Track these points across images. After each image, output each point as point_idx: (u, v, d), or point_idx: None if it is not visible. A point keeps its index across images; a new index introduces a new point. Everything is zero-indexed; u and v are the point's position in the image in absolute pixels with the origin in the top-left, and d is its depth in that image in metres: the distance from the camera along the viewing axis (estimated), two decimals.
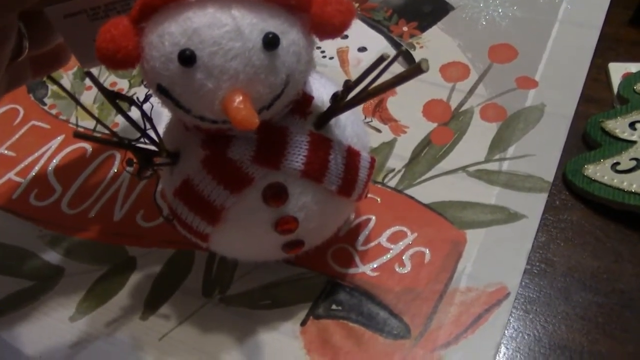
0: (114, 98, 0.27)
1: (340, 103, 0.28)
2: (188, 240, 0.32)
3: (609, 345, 0.34)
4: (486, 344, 0.34)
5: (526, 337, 0.34)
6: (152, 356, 0.34)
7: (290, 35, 0.25)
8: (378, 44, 0.50)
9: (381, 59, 0.24)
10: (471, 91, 0.46)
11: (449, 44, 0.50)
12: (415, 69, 0.24)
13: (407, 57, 0.48)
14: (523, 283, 0.36)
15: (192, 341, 0.35)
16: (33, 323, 0.36)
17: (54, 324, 0.36)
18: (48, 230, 0.40)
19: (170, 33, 0.24)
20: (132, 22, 0.24)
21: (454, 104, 0.45)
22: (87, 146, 0.45)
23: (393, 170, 0.42)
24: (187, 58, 0.23)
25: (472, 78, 0.47)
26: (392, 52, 0.49)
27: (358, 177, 0.30)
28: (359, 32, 0.51)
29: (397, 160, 0.42)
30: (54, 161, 0.44)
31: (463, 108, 0.45)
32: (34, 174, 0.44)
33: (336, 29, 0.25)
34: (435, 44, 0.50)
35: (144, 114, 0.28)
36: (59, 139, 0.45)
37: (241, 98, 0.24)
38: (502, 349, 0.34)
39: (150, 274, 0.38)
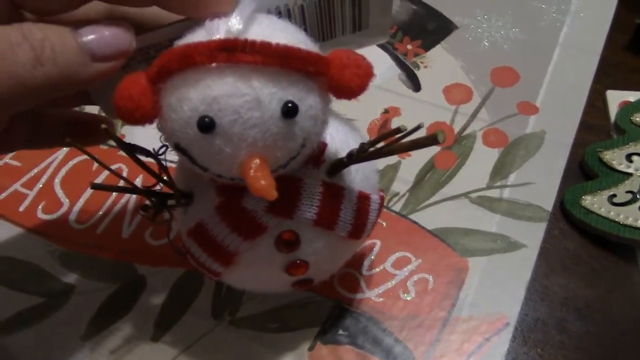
0: (132, 150, 0.27)
1: (354, 161, 0.28)
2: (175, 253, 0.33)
3: None
4: None
5: None
6: None
7: (308, 101, 0.25)
8: (383, 63, 0.50)
9: (398, 130, 0.25)
10: (474, 115, 0.47)
11: (452, 64, 0.50)
12: (430, 139, 0.24)
13: (412, 77, 0.49)
14: (522, 312, 0.38)
15: None
16: (44, 341, 0.37)
17: (65, 342, 0.36)
18: (57, 245, 0.41)
19: (189, 99, 0.24)
20: (149, 81, 0.24)
21: (457, 127, 0.46)
22: None
23: (397, 194, 0.43)
24: (206, 125, 0.23)
25: (475, 101, 0.48)
26: (396, 71, 0.50)
27: (368, 220, 0.31)
28: (364, 50, 0.51)
29: (402, 183, 0.43)
30: (61, 173, 0.44)
31: (466, 132, 0.46)
32: (40, 185, 0.44)
33: (353, 93, 0.25)
34: (439, 64, 0.51)
35: (160, 164, 0.29)
36: (65, 149, 0.46)
37: (258, 162, 0.24)
38: None
39: (160, 294, 0.38)
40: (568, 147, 0.45)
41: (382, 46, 0.51)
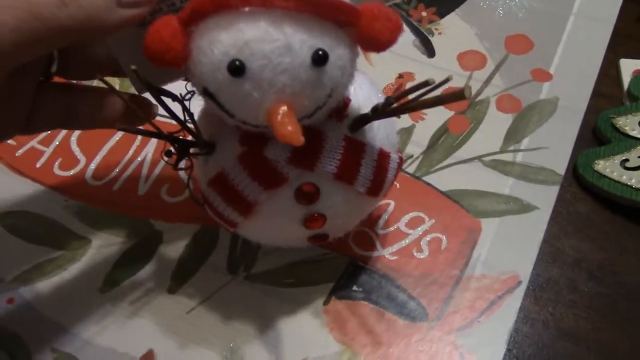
0: (158, 94, 0.27)
1: (378, 115, 0.28)
2: (194, 203, 0.33)
3: (612, 334, 0.36)
4: (499, 329, 0.36)
5: (535, 323, 0.36)
6: (180, 328, 0.36)
7: (338, 51, 0.25)
8: None
9: (426, 83, 0.25)
10: (487, 81, 0.47)
11: (466, 31, 0.51)
12: (457, 95, 0.24)
13: (426, 43, 0.49)
14: (534, 272, 0.38)
15: (219, 315, 0.36)
16: (62, 292, 0.37)
17: (83, 294, 0.37)
18: (74, 200, 0.41)
19: (221, 42, 0.24)
20: (181, 23, 0.24)
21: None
22: None
23: (411, 156, 0.43)
24: (236, 69, 0.24)
25: (489, 68, 0.48)
26: (411, 37, 0.50)
27: (386, 178, 0.32)
28: None
29: (416, 146, 0.44)
30: (77, 131, 0.45)
31: (479, 98, 0.46)
32: (57, 142, 0.44)
33: (383, 45, 0.26)
34: (453, 31, 0.51)
35: (185, 109, 0.29)
36: None
37: (286, 109, 0.24)
38: (513, 334, 0.36)
39: (176, 249, 0.39)
40: (581, 113, 0.45)
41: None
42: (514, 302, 0.37)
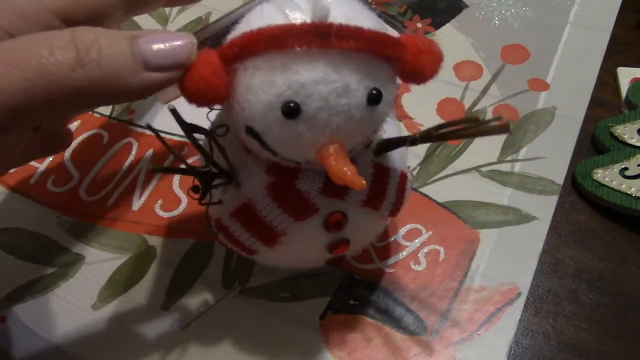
0: (191, 131, 0.26)
1: (416, 144, 0.28)
2: (208, 232, 0.32)
3: (615, 345, 0.35)
4: (499, 342, 0.35)
5: (536, 335, 0.36)
6: (174, 345, 0.35)
7: (389, 87, 0.25)
8: None
9: (476, 119, 0.25)
10: (484, 91, 0.47)
11: (462, 42, 0.50)
12: (501, 128, 0.24)
13: None
14: (534, 283, 0.38)
15: (214, 331, 0.36)
16: (55, 310, 0.37)
17: (76, 311, 0.36)
18: (66, 217, 0.41)
19: (274, 83, 0.23)
20: (223, 60, 0.23)
21: (467, 104, 0.46)
22: (104, 132, 0.45)
23: (408, 167, 0.42)
24: (292, 111, 0.23)
25: (485, 78, 0.48)
26: None
27: (404, 198, 0.31)
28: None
29: (412, 158, 0.43)
30: (71, 147, 0.44)
31: (476, 108, 0.46)
32: (51, 159, 0.44)
33: (426, 78, 0.25)
34: (449, 42, 0.50)
35: (218, 145, 0.27)
36: (75, 124, 0.46)
37: (337, 148, 0.24)
38: (513, 347, 0.35)
39: (171, 264, 0.38)
40: (579, 122, 0.45)
41: (391, 23, 0.51)
42: (514, 314, 0.36)
